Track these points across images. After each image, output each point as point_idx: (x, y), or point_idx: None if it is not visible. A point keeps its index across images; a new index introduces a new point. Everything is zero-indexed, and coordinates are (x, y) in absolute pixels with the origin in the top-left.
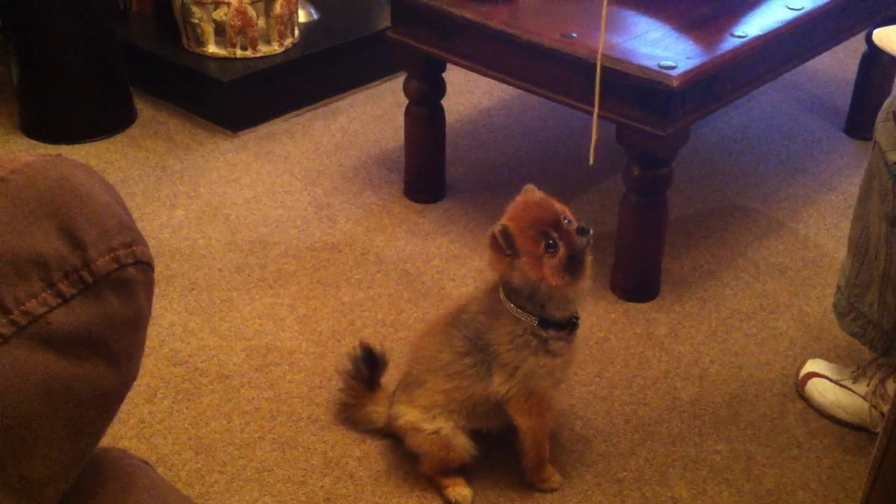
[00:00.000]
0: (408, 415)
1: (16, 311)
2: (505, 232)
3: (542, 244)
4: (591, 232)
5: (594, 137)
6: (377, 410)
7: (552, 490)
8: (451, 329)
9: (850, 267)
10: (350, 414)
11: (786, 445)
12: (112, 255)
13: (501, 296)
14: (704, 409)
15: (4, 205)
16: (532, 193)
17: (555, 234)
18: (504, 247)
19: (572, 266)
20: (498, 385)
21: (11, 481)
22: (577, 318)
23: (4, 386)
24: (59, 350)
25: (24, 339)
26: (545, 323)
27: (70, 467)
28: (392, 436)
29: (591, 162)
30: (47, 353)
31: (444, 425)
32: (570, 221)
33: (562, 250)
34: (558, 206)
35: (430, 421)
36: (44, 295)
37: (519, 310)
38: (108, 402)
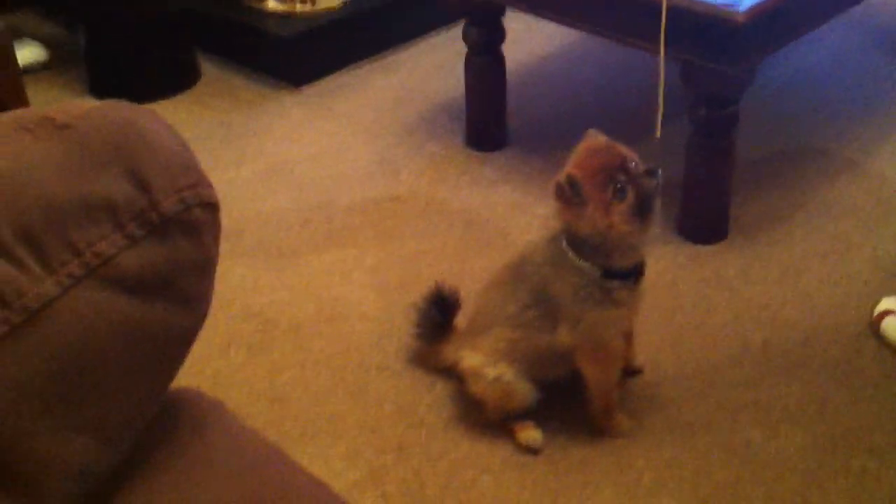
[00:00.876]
0: (471, 359)
1: (87, 253)
2: (571, 180)
3: (611, 189)
4: (661, 173)
5: (660, 109)
6: (448, 350)
7: (622, 435)
8: (515, 281)
9: None
10: (422, 353)
11: (860, 386)
12: (178, 196)
13: (564, 245)
14: (776, 352)
15: (72, 150)
16: (595, 138)
17: (623, 179)
18: (571, 196)
19: (642, 210)
20: (563, 336)
21: (89, 421)
22: (642, 265)
23: (79, 326)
24: (130, 291)
25: (96, 280)
26: (609, 273)
27: (144, 407)
28: (461, 379)
29: (657, 135)
30: (119, 294)
31: (507, 371)
32: (636, 164)
33: (631, 195)
34: (624, 149)
35: (492, 366)
36: (113, 237)
37: (582, 260)
38: (179, 342)
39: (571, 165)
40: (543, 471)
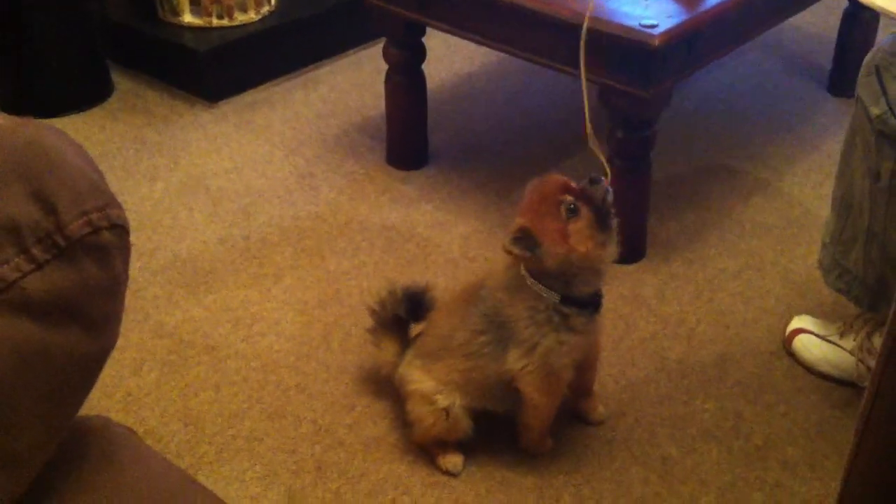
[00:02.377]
0: (422, 383)
1: None
2: (521, 232)
3: (563, 211)
4: (605, 180)
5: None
6: (388, 345)
7: (544, 454)
8: (468, 307)
9: (835, 223)
10: (370, 333)
11: (774, 402)
12: (85, 218)
13: (523, 271)
14: (692, 369)
15: None
16: (533, 182)
17: (569, 199)
18: (526, 248)
19: (601, 221)
20: (513, 361)
21: None
22: (600, 296)
23: None
24: (35, 316)
25: None
26: (568, 300)
27: (51, 436)
28: (381, 402)
29: (589, 137)
30: (22, 320)
31: (457, 403)
32: (578, 182)
33: (584, 210)
34: (560, 176)
35: (444, 395)
36: (17, 260)
37: (542, 286)
38: (87, 368)
39: (518, 216)
40: (464, 491)
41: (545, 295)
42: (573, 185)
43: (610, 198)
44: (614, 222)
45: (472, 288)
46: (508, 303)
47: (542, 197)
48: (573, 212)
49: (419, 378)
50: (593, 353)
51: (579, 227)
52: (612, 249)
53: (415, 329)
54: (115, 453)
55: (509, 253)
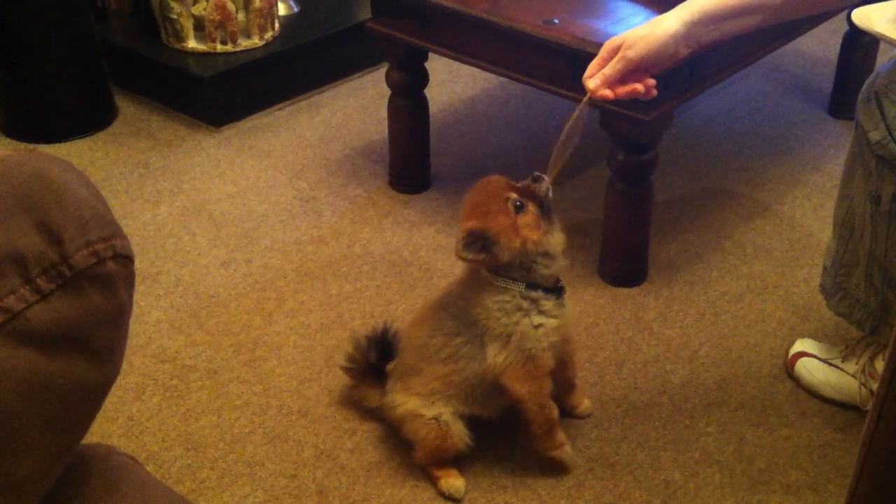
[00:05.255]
0: (406, 403)
1: None
2: (472, 239)
3: (511, 208)
4: (546, 177)
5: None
6: (373, 393)
7: (569, 461)
8: (438, 313)
9: (836, 247)
10: (352, 390)
11: (776, 426)
12: (90, 249)
13: (483, 273)
14: (695, 392)
15: None
16: (474, 188)
17: (515, 195)
18: (481, 248)
19: (545, 215)
20: (493, 357)
21: None
22: (561, 283)
23: None
24: (39, 346)
25: (3, 335)
26: (532, 286)
27: (54, 464)
28: (384, 423)
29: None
30: (27, 350)
31: (444, 410)
32: (519, 181)
33: (529, 205)
34: (501, 177)
35: (429, 407)
36: (22, 291)
37: (504, 279)
38: (91, 397)
39: (463, 221)
40: None
41: (510, 287)
42: (515, 183)
43: (551, 193)
44: (555, 215)
45: (439, 297)
46: (476, 303)
47: (488, 197)
48: (520, 207)
49: (402, 399)
50: (569, 347)
51: (527, 220)
52: (559, 236)
53: (391, 364)
54: (118, 482)
55: (463, 259)
